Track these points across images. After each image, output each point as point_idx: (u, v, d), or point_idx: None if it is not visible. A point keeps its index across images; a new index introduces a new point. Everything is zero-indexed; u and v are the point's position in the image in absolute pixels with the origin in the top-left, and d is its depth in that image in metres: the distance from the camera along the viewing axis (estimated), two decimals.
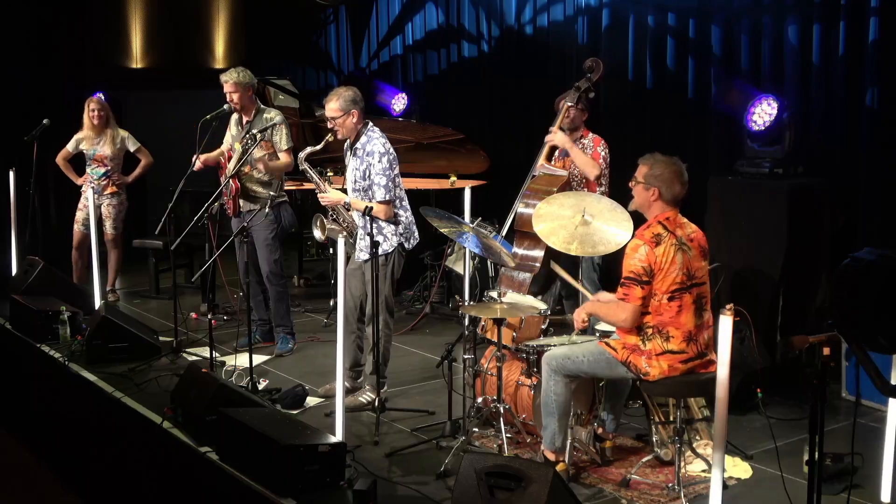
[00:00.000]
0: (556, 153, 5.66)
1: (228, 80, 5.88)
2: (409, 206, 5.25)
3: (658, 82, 6.99)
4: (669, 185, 4.05)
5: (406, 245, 5.19)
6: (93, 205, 7.05)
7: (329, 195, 5.30)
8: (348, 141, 5.20)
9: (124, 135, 7.49)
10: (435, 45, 9.22)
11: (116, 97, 9.25)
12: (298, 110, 8.30)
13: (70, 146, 7.45)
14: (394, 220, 5.11)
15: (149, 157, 7.59)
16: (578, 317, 4.20)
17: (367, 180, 5.06)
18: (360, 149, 5.10)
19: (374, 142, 5.07)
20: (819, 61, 5.89)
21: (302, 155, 5.33)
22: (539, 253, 5.20)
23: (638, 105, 7.09)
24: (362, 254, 5.17)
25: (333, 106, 5.05)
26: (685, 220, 4.14)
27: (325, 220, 5.37)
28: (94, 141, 7.40)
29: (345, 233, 5.33)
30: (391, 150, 5.10)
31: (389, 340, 5.22)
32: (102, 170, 7.40)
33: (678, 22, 6.80)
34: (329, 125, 5.12)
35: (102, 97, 7.54)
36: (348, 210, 5.33)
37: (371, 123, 5.18)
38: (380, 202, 5.02)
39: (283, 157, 5.95)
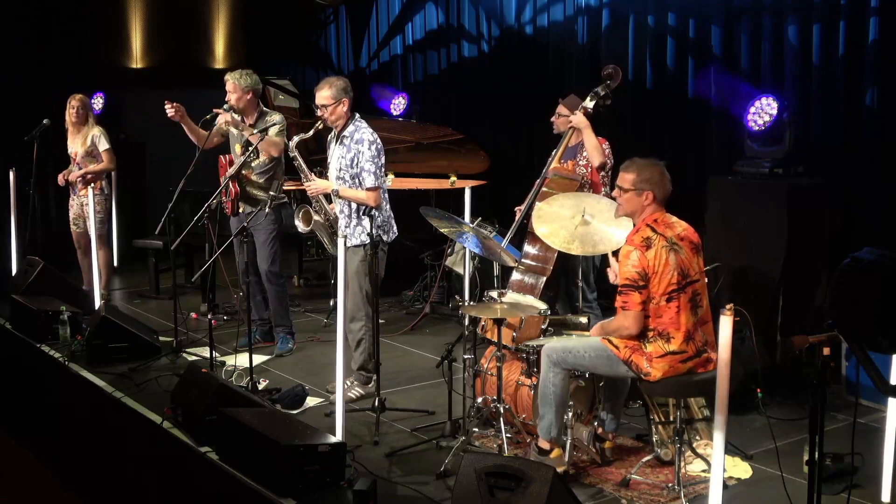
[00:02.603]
0: (561, 153, 5.63)
1: (228, 80, 5.95)
2: (388, 199, 5.33)
3: (658, 82, 6.99)
4: (660, 185, 4.07)
5: (385, 238, 5.25)
6: (76, 204, 7.24)
7: (316, 183, 5.39)
8: (333, 132, 5.31)
9: (97, 133, 7.35)
10: (435, 45, 9.22)
11: (116, 97, 9.26)
12: (298, 110, 8.30)
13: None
14: (372, 207, 5.20)
15: (108, 163, 7.36)
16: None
17: (356, 168, 5.15)
18: (349, 137, 5.20)
19: (363, 131, 5.19)
20: (819, 61, 5.89)
21: (291, 143, 5.43)
22: (552, 254, 5.17)
23: (638, 105, 7.09)
24: (349, 240, 5.21)
25: (326, 94, 5.17)
26: (673, 218, 4.13)
27: (311, 211, 5.43)
28: (72, 138, 7.39)
29: (326, 225, 5.40)
30: (378, 140, 5.22)
31: (371, 335, 5.24)
32: (76, 168, 7.38)
33: (678, 22, 6.80)
34: (320, 113, 5.23)
35: (82, 95, 7.42)
36: (330, 202, 5.38)
37: (358, 115, 5.29)
38: (368, 188, 5.12)
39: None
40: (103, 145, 7.35)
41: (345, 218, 5.27)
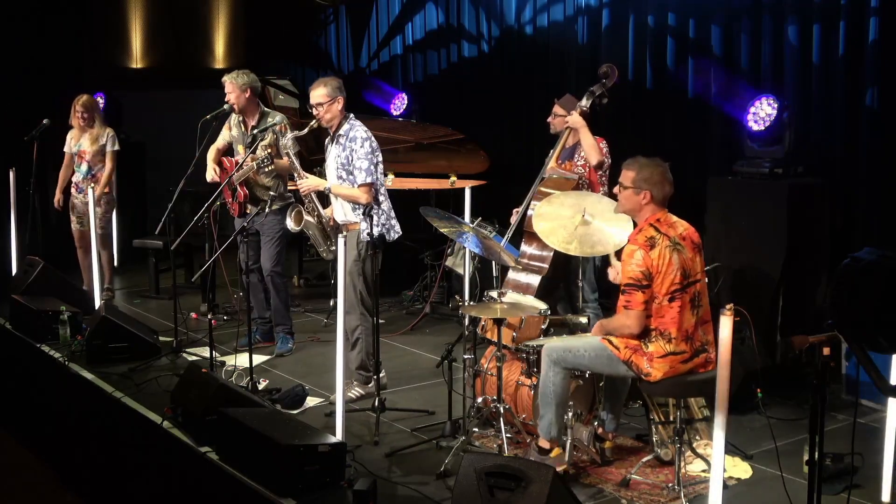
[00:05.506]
0: (558, 152, 5.63)
1: (226, 81, 5.96)
2: (388, 197, 5.34)
3: (658, 82, 6.99)
4: (659, 186, 4.07)
5: (387, 237, 5.25)
6: (81, 202, 7.21)
7: (308, 181, 5.41)
8: (330, 134, 5.33)
9: (111, 133, 7.38)
10: (435, 45, 9.21)
11: (116, 97, 9.25)
12: (298, 110, 8.29)
13: (66, 147, 7.46)
14: (374, 207, 5.21)
15: (112, 166, 7.37)
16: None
17: (351, 165, 5.17)
18: (343, 136, 5.22)
19: (357, 129, 5.23)
20: (819, 61, 5.89)
21: (286, 140, 5.51)
22: (548, 253, 5.18)
23: (638, 105, 7.09)
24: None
25: (321, 92, 5.21)
26: (675, 218, 4.14)
27: (302, 210, 5.46)
28: (78, 137, 7.41)
29: (318, 226, 5.41)
30: (373, 137, 5.25)
31: (368, 334, 5.26)
32: (85, 166, 7.37)
33: (678, 22, 6.80)
34: (315, 112, 5.24)
35: (87, 97, 7.39)
36: (327, 205, 5.39)
37: (353, 115, 5.31)
38: (360, 185, 5.14)
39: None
40: (113, 146, 7.36)
41: (352, 212, 5.26)
